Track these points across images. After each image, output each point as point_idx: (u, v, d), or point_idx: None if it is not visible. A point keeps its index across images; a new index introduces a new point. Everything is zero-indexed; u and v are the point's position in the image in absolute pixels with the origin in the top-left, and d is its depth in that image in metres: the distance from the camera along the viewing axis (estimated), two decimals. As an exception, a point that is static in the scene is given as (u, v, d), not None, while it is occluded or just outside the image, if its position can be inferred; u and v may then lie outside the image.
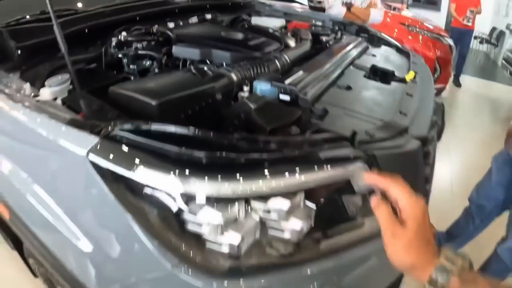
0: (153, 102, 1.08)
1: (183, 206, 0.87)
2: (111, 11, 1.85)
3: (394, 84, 1.64)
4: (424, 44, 4.82)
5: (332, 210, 1.02)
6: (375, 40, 2.40)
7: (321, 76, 1.47)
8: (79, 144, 0.94)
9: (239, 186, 0.86)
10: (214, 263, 0.89)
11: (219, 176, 0.85)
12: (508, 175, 2.23)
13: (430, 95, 1.63)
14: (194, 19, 2.14)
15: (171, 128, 0.92)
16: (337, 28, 2.48)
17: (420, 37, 4.89)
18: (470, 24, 6.42)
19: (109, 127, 0.94)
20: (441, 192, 3.34)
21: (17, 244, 1.70)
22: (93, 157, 0.91)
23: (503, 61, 6.30)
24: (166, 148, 0.88)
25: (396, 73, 1.74)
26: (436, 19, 6.16)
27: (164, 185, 0.87)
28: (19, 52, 1.50)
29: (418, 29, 4.95)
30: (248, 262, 0.91)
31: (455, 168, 3.85)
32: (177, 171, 0.85)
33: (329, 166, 0.93)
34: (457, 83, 6.63)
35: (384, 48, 2.31)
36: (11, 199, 1.25)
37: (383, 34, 2.52)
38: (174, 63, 1.71)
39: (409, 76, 1.69)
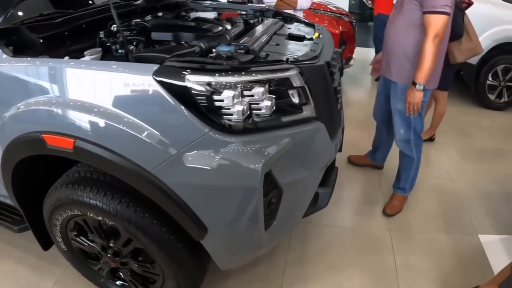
0: (168, 55, 1.81)
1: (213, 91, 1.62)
2: (95, 12, 2.44)
3: (306, 41, 2.43)
4: (329, 23, 5.66)
5: (283, 98, 1.78)
6: (288, 20, 3.19)
7: (258, 39, 2.22)
8: (147, 71, 1.64)
9: (240, 78, 1.65)
10: (230, 125, 1.66)
11: (230, 72, 1.65)
12: (387, 90, 3.12)
13: (330, 45, 2.41)
14: (149, 17, 2.84)
15: (199, 59, 1.72)
16: (258, 14, 3.26)
17: (325, 17, 5.79)
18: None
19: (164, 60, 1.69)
20: (362, 132, 4.27)
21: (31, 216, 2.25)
22: (157, 77, 1.61)
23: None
24: (198, 64, 1.65)
25: (307, 36, 2.54)
26: (340, 3, 6.85)
27: (201, 82, 1.61)
28: (41, 41, 2.03)
29: (322, 11, 5.84)
30: (247, 125, 1.68)
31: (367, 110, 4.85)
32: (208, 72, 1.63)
33: (279, 71, 1.73)
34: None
35: (296, 23, 3.10)
36: (83, 131, 1.70)
37: (292, 15, 3.35)
38: (152, 45, 2.42)
39: (315, 36, 2.48)
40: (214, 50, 2.03)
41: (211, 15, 3.18)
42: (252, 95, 1.65)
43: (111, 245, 2.11)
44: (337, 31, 5.57)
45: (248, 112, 1.68)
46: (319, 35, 2.48)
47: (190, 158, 1.65)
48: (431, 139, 4.61)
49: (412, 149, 3.11)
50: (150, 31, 2.42)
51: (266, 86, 1.68)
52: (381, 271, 2.72)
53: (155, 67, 1.64)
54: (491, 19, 5.38)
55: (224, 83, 1.62)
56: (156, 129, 1.64)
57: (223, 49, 1.99)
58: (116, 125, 1.65)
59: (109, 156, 1.68)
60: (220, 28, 2.54)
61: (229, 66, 1.67)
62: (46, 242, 2.38)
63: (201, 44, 2.06)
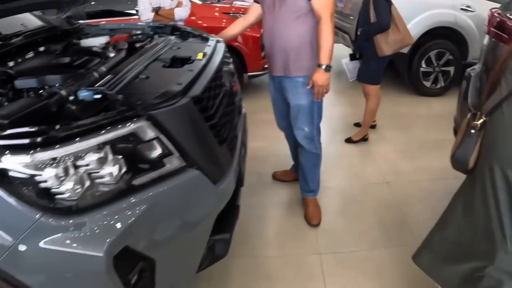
0: (5, 121, 1.50)
1: (34, 172, 1.34)
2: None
3: (186, 66, 2.13)
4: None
5: (136, 157, 1.51)
6: (185, 35, 2.92)
7: (126, 73, 1.93)
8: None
9: (64, 150, 1.36)
10: (64, 206, 1.39)
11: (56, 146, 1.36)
12: (282, 92, 3.00)
13: (212, 67, 2.13)
14: (30, 54, 2.50)
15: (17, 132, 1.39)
16: (153, 32, 2.97)
17: (245, 21, 5.55)
18: None
19: None
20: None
21: None
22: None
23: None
24: (14, 140, 1.35)
25: (194, 57, 2.25)
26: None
27: (16, 162, 1.33)
28: None
29: (242, 14, 5.58)
30: (86, 201, 1.41)
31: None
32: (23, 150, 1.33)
33: (118, 127, 1.45)
34: None
35: (191, 39, 2.83)
36: None
37: (192, 28, 3.10)
38: (20, 95, 2.08)
39: (199, 57, 2.20)
40: (71, 97, 1.73)
41: (101, 40, 2.85)
42: (87, 164, 1.38)
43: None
44: (257, 35, 5.35)
45: (88, 184, 1.41)
46: (203, 55, 2.20)
47: (29, 249, 1.39)
48: (364, 139, 4.38)
49: (317, 146, 3.06)
50: (14, 79, 2.08)
51: (106, 148, 1.42)
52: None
53: None
54: (420, 4, 5.32)
55: (44, 160, 1.36)
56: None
57: (83, 94, 1.71)
58: None
59: None
60: (96, 61, 2.24)
61: (53, 137, 1.39)
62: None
63: (62, 91, 1.76)
